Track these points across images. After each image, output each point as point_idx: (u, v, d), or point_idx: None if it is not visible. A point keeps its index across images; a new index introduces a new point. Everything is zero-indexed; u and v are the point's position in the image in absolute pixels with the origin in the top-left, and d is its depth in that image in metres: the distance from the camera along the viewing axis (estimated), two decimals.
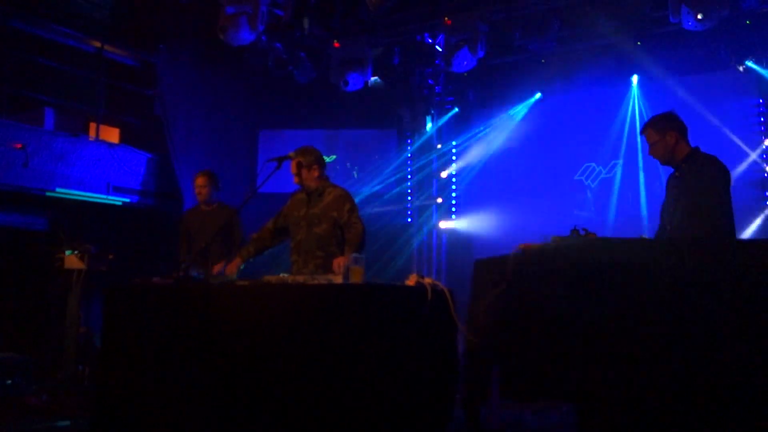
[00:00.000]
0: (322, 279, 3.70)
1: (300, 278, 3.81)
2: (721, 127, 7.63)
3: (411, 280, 3.73)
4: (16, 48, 7.76)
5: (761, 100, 7.74)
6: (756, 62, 7.56)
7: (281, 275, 4.03)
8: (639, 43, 7.62)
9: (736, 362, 2.65)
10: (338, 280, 3.64)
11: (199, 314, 3.80)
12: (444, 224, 9.84)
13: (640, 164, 8.19)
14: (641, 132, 4.15)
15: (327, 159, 9.79)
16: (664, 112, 4.11)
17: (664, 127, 4.00)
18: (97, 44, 8.42)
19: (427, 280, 3.69)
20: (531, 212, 8.81)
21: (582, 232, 3.43)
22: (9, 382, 5.60)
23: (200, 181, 6.00)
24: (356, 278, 3.58)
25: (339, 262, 4.13)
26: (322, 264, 4.57)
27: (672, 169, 4.07)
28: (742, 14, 7.01)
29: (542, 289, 3.23)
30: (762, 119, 7.74)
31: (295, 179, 4.80)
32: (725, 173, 3.84)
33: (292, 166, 4.77)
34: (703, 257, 2.80)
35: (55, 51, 8.20)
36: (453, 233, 9.81)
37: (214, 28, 7.54)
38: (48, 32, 8.08)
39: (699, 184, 3.82)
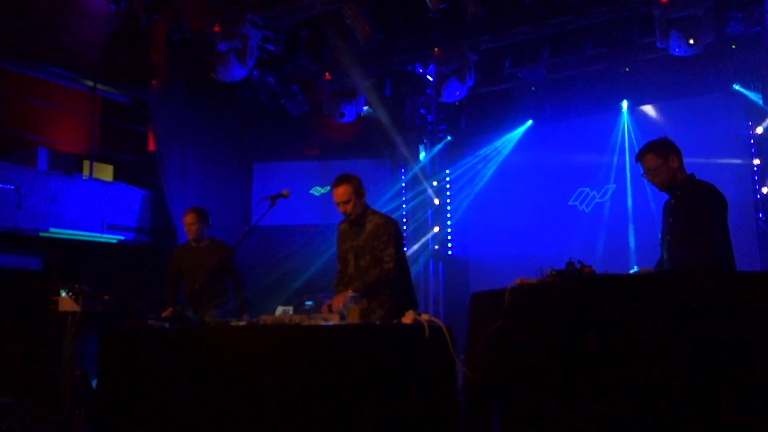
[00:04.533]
0: (319, 319, 3.68)
1: (296, 318, 3.79)
2: (711, 149, 7.68)
3: (408, 318, 3.70)
4: (10, 89, 7.79)
5: (750, 122, 7.81)
6: (743, 86, 7.65)
7: (279, 310, 4.02)
8: (627, 69, 7.70)
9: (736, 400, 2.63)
10: (335, 320, 3.63)
11: (194, 356, 3.77)
12: (440, 252, 9.84)
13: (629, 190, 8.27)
14: (637, 159, 3.97)
15: (322, 190, 9.92)
16: (660, 138, 3.97)
17: (665, 150, 3.87)
18: (90, 83, 8.46)
19: (424, 317, 3.66)
20: (526, 238, 8.85)
21: (577, 265, 3.42)
22: (4, 427, 5.52)
23: (189, 218, 5.78)
24: (353, 318, 3.56)
25: (339, 301, 4.11)
26: (386, 300, 4.43)
27: (666, 196, 3.97)
28: (726, 39, 7.09)
29: (538, 325, 3.22)
30: (752, 141, 7.80)
31: (344, 208, 4.52)
32: (722, 202, 3.76)
33: (341, 195, 4.48)
34: (699, 291, 2.78)
35: (49, 91, 8.23)
36: (449, 261, 9.80)
37: (205, 64, 7.59)
38: (41, 72, 8.11)
39: (695, 213, 3.74)
